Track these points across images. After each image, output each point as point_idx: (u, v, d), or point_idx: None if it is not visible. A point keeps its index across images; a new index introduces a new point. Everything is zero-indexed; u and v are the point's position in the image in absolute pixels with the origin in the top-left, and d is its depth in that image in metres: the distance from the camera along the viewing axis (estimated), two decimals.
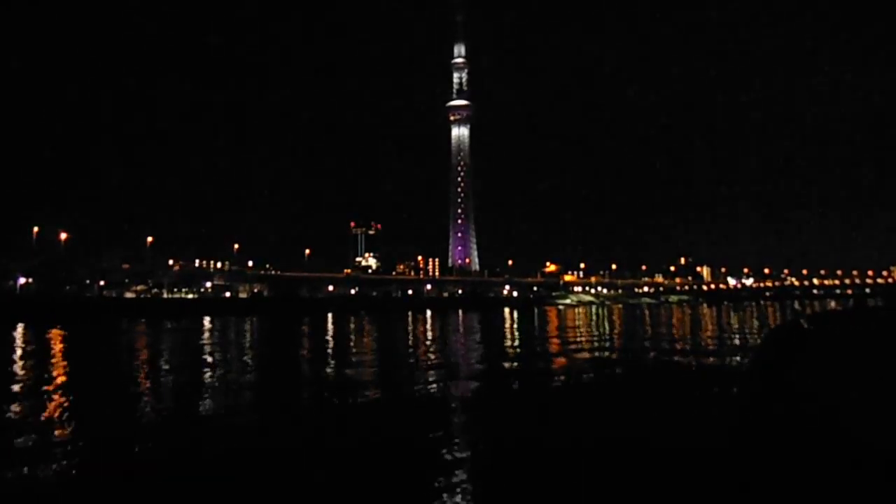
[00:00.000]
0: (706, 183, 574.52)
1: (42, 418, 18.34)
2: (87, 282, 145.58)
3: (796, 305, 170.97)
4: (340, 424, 17.56)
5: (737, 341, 47.26)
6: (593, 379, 27.09)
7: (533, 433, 15.69)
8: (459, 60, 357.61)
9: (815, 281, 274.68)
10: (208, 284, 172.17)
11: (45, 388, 24.34)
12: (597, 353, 38.48)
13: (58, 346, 47.60)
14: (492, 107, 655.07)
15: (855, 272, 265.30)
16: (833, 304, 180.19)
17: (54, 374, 29.57)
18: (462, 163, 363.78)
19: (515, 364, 33.72)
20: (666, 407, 19.38)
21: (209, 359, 36.99)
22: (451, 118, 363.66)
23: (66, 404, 21.08)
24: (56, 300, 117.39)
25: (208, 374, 29.39)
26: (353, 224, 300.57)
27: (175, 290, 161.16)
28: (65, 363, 35.49)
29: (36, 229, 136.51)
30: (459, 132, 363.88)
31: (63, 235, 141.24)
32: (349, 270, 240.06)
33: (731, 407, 17.50)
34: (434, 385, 24.70)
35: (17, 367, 32.99)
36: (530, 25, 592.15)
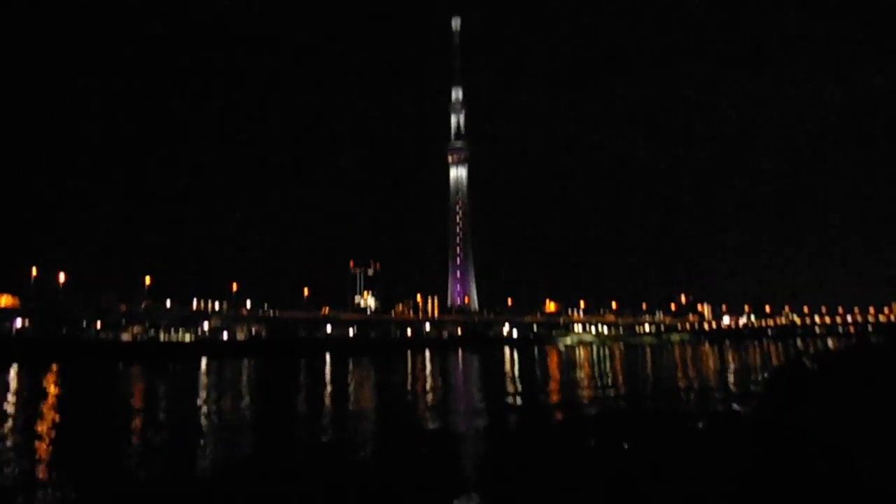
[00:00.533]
0: (705, 220, 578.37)
1: (20, 465, 17.88)
2: (84, 323, 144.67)
3: (799, 344, 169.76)
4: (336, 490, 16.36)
5: (741, 382, 46.69)
6: (599, 424, 26.58)
7: (541, 483, 15.30)
8: (457, 103, 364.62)
9: (817, 318, 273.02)
10: (206, 325, 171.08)
11: (30, 430, 23.83)
12: (601, 396, 37.94)
13: (50, 389, 46.89)
14: (490, 147, 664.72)
15: (856, 309, 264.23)
16: (834, 341, 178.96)
17: (42, 419, 29.01)
18: (461, 202, 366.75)
19: (520, 416, 31.80)
20: (675, 451, 18.97)
21: (203, 406, 36.37)
22: (450, 159, 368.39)
23: (50, 450, 20.59)
24: (52, 342, 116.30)
25: (201, 423, 28.82)
26: (351, 263, 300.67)
27: (172, 331, 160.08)
28: (54, 407, 34.85)
29: (34, 270, 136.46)
30: (458, 173, 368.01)
31: (62, 276, 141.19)
32: (348, 312, 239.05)
33: (740, 451, 17.13)
34: (435, 448, 23.20)
35: (5, 409, 32.41)
36: (529, 66, 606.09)
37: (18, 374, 65.47)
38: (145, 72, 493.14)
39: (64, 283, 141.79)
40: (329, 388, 46.68)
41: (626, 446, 20.53)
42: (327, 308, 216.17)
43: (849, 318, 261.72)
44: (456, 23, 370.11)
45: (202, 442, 22.58)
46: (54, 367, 76.29)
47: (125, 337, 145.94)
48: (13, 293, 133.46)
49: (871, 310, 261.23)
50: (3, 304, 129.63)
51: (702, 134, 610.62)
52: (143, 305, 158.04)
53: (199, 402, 37.25)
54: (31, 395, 43.62)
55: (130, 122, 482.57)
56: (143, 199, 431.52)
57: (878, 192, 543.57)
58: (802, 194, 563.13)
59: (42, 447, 21.44)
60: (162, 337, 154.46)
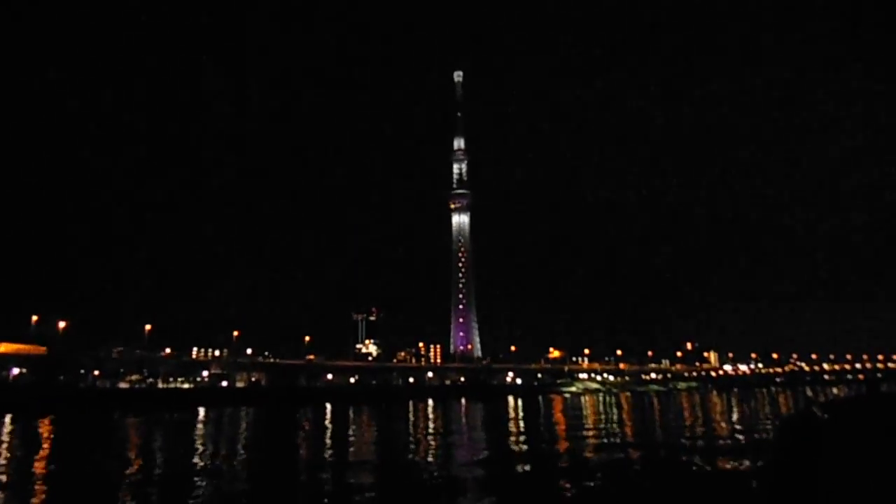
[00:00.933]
0: (710, 267, 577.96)
1: None
2: (82, 371, 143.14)
3: (808, 392, 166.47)
4: None
5: (750, 432, 45.50)
6: (609, 481, 25.62)
7: None
8: (459, 152, 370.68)
9: (826, 366, 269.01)
10: (205, 373, 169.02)
11: (20, 482, 23.07)
12: (608, 449, 36.93)
13: (44, 440, 45.82)
14: (492, 195, 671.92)
15: (865, 356, 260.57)
16: (843, 389, 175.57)
17: (33, 469, 28.18)
18: (463, 249, 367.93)
19: (528, 473, 29.40)
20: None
21: (197, 461, 35.36)
22: (452, 206, 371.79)
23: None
24: (48, 390, 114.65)
25: (193, 481, 27.89)
26: (353, 311, 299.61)
27: (171, 379, 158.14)
28: (46, 458, 33.94)
29: (35, 318, 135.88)
30: (460, 220, 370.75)
31: (62, 324, 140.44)
32: (349, 359, 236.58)
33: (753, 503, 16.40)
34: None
35: None
36: (530, 114, 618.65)
37: (13, 423, 64.24)
38: (142, 109, 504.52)
39: (63, 331, 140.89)
40: (329, 440, 45.49)
41: (636, 499, 19.72)
42: (328, 356, 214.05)
43: (858, 366, 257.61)
44: (458, 76, 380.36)
45: (191, 494, 21.76)
46: (48, 416, 74.95)
47: (123, 385, 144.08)
48: (11, 340, 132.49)
49: (881, 357, 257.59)
50: (1, 351, 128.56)
51: (707, 175, 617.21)
52: (139, 353, 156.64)
53: (193, 454, 36.26)
54: (23, 445, 42.60)
55: (130, 165, 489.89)
56: (144, 246, 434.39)
57: (888, 238, 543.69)
58: (810, 241, 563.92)
59: (33, 498, 20.68)
60: (160, 385, 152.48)
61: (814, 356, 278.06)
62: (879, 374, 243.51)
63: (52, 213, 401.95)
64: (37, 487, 23.18)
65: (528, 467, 29.73)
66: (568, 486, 23.53)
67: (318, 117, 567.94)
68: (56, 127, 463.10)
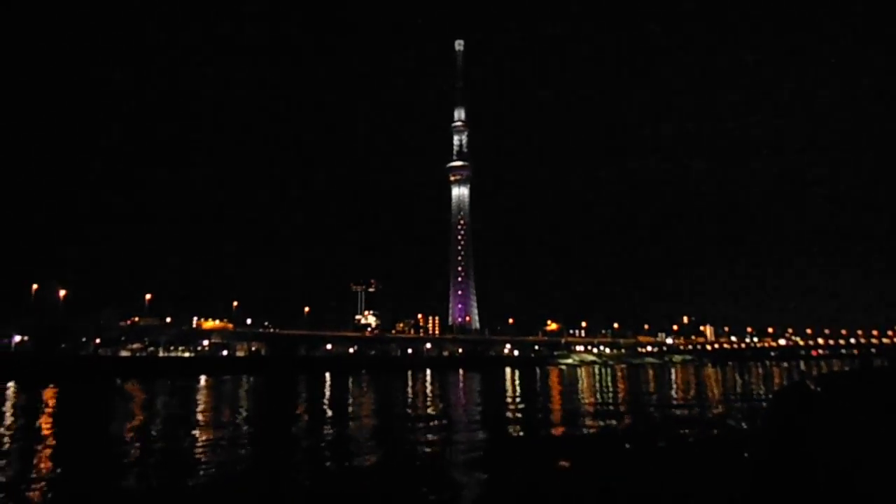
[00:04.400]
0: (709, 240, 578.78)
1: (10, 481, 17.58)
2: (84, 340, 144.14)
3: (802, 366, 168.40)
4: None
5: (745, 404, 46.21)
6: (602, 448, 26.17)
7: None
8: (459, 123, 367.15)
9: (820, 340, 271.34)
10: (205, 342, 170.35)
11: (25, 447, 23.52)
12: (603, 418, 37.56)
13: (47, 406, 46.50)
14: (492, 167, 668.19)
15: (859, 331, 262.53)
16: (837, 364, 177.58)
17: (38, 435, 28.70)
18: (462, 221, 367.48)
19: (524, 442, 28.95)
20: (678, 473, 18.69)
21: (200, 424, 35.97)
22: (452, 178, 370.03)
23: (44, 469, 20.28)
24: (50, 358, 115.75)
25: (196, 446, 28.40)
26: (352, 282, 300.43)
27: (171, 348, 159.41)
28: (50, 424, 34.52)
29: (35, 286, 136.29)
30: (459, 192, 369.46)
31: (62, 293, 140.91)
32: (349, 330, 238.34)
33: (742, 473, 16.84)
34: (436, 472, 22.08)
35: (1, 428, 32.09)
36: (532, 84, 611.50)
37: (16, 390, 65.05)
38: (146, 88, 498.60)
39: (63, 300, 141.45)
40: (328, 408, 46.17)
41: (629, 467, 20.20)
42: (328, 326, 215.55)
43: (852, 341, 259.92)
44: (459, 45, 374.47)
45: (193, 459, 22.24)
46: (52, 384, 75.84)
47: (124, 353, 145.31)
48: (13, 309, 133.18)
49: (875, 332, 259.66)
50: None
51: (706, 153, 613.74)
52: (140, 321, 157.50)
53: (195, 421, 36.87)
54: (27, 411, 43.25)
55: (132, 140, 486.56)
56: (145, 216, 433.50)
57: (883, 216, 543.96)
58: (807, 218, 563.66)
59: (37, 464, 21.14)
60: (161, 354, 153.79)
61: (809, 331, 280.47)
62: (873, 350, 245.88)
63: (51, 183, 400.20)
64: (42, 454, 23.63)
65: (521, 434, 30.31)
66: (562, 454, 24.05)
67: (317, 88, 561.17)
68: (49, 94, 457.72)
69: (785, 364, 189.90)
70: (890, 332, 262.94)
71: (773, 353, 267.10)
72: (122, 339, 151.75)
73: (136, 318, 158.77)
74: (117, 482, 18.65)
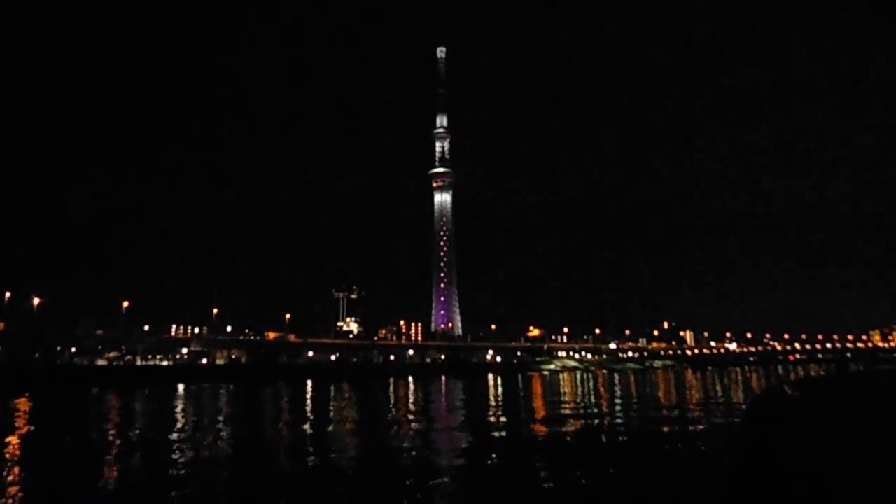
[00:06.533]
0: (688, 247, 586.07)
1: None
2: (59, 348, 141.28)
3: (780, 370, 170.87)
4: None
5: (723, 409, 46.70)
6: (583, 453, 26.25)
7: None
8: (441, 130, 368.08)
9: (797, 345, 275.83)
10: (184, 350, 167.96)
11: None
12: (584, 423, 37.69)
13: (19, 415, 45.35)
14: (475, 173, 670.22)
15: (836, 336, 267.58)
16: (814, 368, 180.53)
17: (6, 445, 27.95)
18: (445, 228, 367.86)
19: (506, 449, 29.06)
20: (655, 476, 18.77)
21: (175, 434, 35.36)
22: (434, 185, 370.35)
23: (11, 479, 19.75)
24: (24, 367, 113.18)
25: (171, 452, 27.91)
26: (334, 289, 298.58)
27: (149, 357, 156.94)
28: (23, 434, 33.65)
29: (8, 294, 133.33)
30: (442, 198, 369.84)
31: (36, 301, 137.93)
32: (330, 337, 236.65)
33: (718, 476, 16.97)
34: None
35: None
36: (515, 90, 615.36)
37: None
38: (129, 92, 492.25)
39: (38, 307, 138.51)
40: (309, 417, 45.69)
41: (608, 472, 20.25)
42: (309, 333, 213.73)
43: (829, 346, 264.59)
44: (441, 52, 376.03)
45: (170, 469, 21.82)
46: (26, 394, 74.11)
47: (101, 362, 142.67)
48: None
49: (850, 337, 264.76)
50: None
51: (685, 159, 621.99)
52: (117, 330, 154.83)
53: (172, 427, 36.22)
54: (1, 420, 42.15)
55: (109, 141, 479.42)
56: (122, 222, 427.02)
57: (860, 223, 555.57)
58: (786, 224, 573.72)
59: (5, 475, 20.57)
60: (139, 363, 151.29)
61: (786, 336, 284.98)
62: (849, 355, 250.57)
63: (26, 189, 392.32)
64: (15, 461, 23.03)
65: (504, 438, 30.26)
66: (542, 459, 24.05)
67: (297, 93, 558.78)
68: (29, 99, 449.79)
69: (763, 369, 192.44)
70: (865, 338, 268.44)
71: (751, 359, 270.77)
72: (99, 347, 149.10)
73: (113, 327, 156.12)
74: (89, 493, 18.21)
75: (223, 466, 23.17)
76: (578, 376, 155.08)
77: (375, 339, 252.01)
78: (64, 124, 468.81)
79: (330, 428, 37.02)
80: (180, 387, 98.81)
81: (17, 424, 39.83)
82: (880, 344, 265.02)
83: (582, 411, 45.94)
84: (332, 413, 48.04)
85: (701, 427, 34.11)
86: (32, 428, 38.45)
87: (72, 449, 28.45)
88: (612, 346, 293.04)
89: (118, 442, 29.32)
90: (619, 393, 71.19)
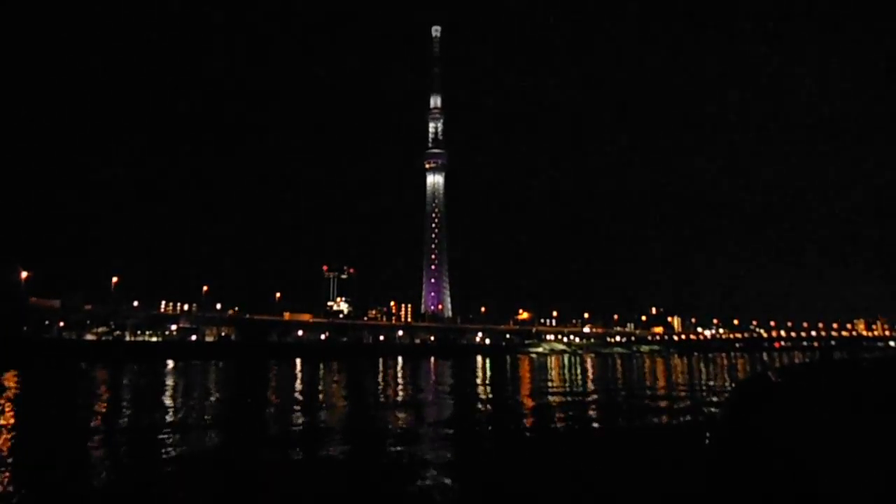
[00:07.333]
0: (677, 233, 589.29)
1: None
2: (47, 323, 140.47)
3: (765, 357, 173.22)
4: None
5: (708, 393, 47.32)
6: (568, 432, 26.61)
7: (515, 491, 15.24)
8: (435, 111, 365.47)
9: (783, 333, 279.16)
10: (174, 327, 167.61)
11: None
12: (570, 405, 38.10)
13: (5, 390, 45.24)
14: (467, 155, 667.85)
15: (821, 324, 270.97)
16: (799, 355, 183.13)
17: None
18: (436, 209, 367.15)
19: (491, 427, 29.43)
20: (643, 456, 19.10)
21: (165, 410, 35.45)
22: (427, 166, 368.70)
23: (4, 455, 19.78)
24: (11, 341, 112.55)
25: (160, 429, 27.99)
26: (325, 268, 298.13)
27: (139, 332, 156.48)
28: (9, 408, 33.62)
29: None
30: (434, 179, 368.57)
31: (24, 274, 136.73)
32: (321, 316, 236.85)
33: (704, 457, 17.30)
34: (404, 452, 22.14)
35: None
36: (508, 73, 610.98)
37: None
38: (125, 76, 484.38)
39: (26, 281, 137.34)
40: (298, 396, 45.91)
41: (591, 453, 20.58)
42: (299, 312, 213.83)
43: (813, 333, 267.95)
44: (436, 31, 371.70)
45: (158, 445, 21.93)
46: (12, 368, 73.83)
47: (89, 337, 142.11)
48: None
49: (835, 325, 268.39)
50: None
51: (676, 147, 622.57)
52: (106, 305, 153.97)
53: (162, 404, 36.31)
54: None
55: (105, 122, 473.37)
56: (113, 197, 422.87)
57: (846, 213, 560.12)
58: (774, 212, 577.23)
59: None
60: (128, 338, 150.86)
61: (772, 323, 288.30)
62: (833, 343, 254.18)
63: (17, 166, 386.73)
64: (3, 437, 23.03)
65: (490, 415, 30.61)
66: (528, 437, 24.40)
67: (290, 73, 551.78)
68: (27, 84, 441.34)
69: (748, 355, 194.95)
70: (849, 326, 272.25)
71: (737, 345, 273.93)
72: (88, 322, 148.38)
73: (103, 302, 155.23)
74: (76, 470, 18.26)
75: (209, 452, 23.28)
76: (566, 359, 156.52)
77: (366, 318, 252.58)
78: (56, 109, 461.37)
79: (319, 409, 37.21)
80: (170, 363, 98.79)
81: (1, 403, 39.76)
82: (864, 332, 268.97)
83: (568, 394, 46.46)
84: (321, 394, 48.29)
85: (685, 409, 34.57)
86: (16, 405, 38.44)
87: (57, 426, 28.46)
88: (600, 330, 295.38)
89: (103, 425, 29.34)
90: (605, 375, 71.97)
